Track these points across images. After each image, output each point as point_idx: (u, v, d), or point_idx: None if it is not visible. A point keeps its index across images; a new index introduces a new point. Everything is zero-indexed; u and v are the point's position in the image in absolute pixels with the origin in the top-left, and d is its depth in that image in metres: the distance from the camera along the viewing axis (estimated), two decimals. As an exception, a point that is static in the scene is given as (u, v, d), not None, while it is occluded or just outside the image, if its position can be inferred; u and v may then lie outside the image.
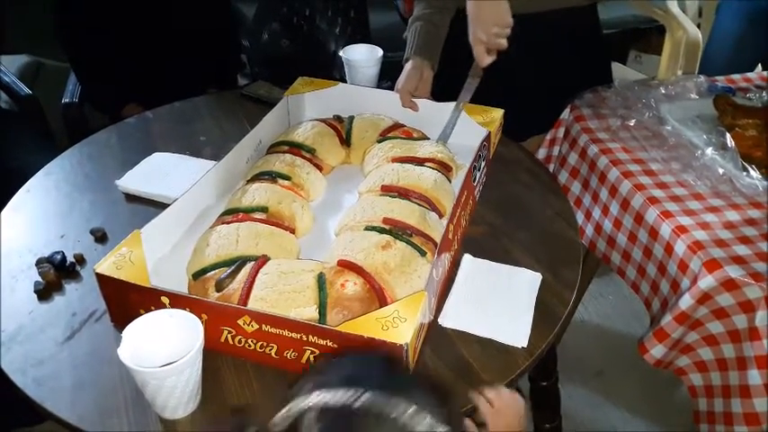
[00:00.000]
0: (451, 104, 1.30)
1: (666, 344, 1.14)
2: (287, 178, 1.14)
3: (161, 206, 1.08)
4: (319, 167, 1.23)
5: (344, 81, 1.47)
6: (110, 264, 0.91)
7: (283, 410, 0.49)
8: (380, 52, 1.48)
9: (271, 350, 0.86)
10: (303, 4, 1.98)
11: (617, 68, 2.45)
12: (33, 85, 2.01)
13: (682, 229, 1.14)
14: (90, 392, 0.85)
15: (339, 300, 0.90)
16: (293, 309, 0.89)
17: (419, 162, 1.18)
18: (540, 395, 1.50)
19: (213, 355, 0.86)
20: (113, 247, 0.94)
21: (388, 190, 1.11)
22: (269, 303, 0.89)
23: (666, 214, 1.18)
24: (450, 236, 0.98)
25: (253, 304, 0.89)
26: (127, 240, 0.95)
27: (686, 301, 1.09)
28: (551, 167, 1.52)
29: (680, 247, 1.12)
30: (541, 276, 1.02)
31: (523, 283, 1.01)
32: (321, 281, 0.92)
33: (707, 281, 1.06)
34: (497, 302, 0.97)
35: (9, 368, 0.88)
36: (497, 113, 1.30)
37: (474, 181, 1.13)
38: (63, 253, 1.04)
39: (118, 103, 1.88)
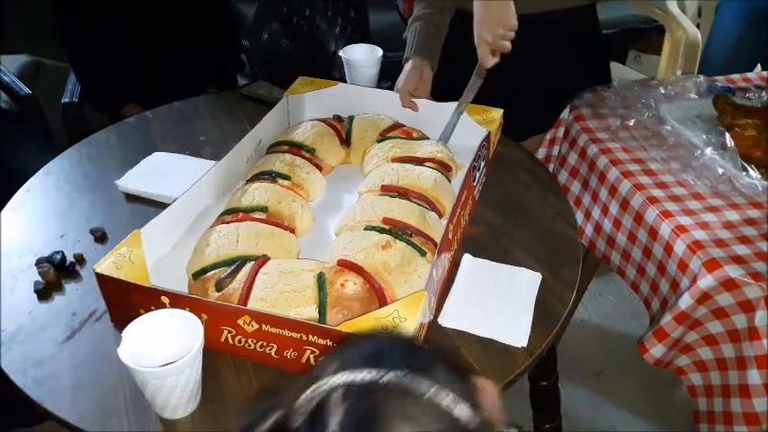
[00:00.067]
0: (451, 104, 1.30)
1: (666, 343, 1.14)
2: (287, 178, 1.14)
3: (161, 206, 1.07)
4: (319, 167, 1.23)
5: (344, 81, 1.47)
6: (110, 263, 0.91)
7: (307, 392, 0.50)
8: (380, 52, 1.48)
9: (271, 350, 0.86)
10: (303, 4, 1.98)
11: (616, 68, 2.45)
12: (33, 85, 2.01)
13: (681, 229, 1.14)
14: (90, 392, 0.85)
15: (339, 299, 0.90)
16: (293, 308, 0.89)
17: (419, 162, 1.18)
18: (540, 395, 1.50)
19: (213, 355, 0.86)
20: (113, 247, 0.94)
21: (387, 190, 1.11)
22: (269, 303, 0.89)
23: (666, 214, 1.18)
24: (450, 236, 0.99)
25: (253, 304, 0.89)
26: (127, 240, 0.95)
27: (686, 301, 1.09)
28: (551, 167, 1.52)
29: (679, 247, 1.12)
30: (541, 276, 1.02)
31: (523, 283, 1.01)
32: (321, 280, 0.92)
33: (706, 280, 1.06)
34: (497, 302, 0.97)
35: (9, 368, 0.88)
36: (497, 113, 1.30)
37: (474, 181, 1.13)
38: (63, 253, 1.04)
39: (118, 102, 1.88)
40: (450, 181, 1.18)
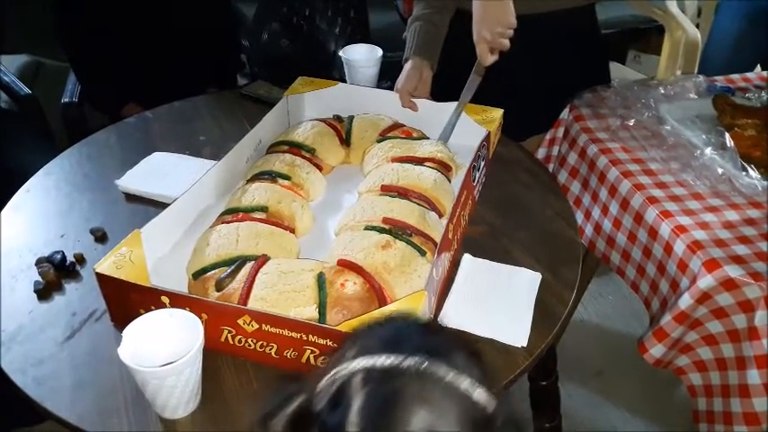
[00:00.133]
0: (451, 104, 1.30)
1: (666, 343, 1.14)
2: (287, 178, 1.15)
3: (161, 206, 1.08)
4: (319, 167, 1.23)
5: (344, 81, 1.47)
6: (110, 263, 0.91)
7: (328, 377, 0.51)
8: (380, 52, 1.48)
9: (271, 350, 0.86)
10: (303, 4, 1.98)
11: (616, 68, 2.45)
12: (33, 85, 2.01)
13: (681, 229, 1.14)
14: (90, 392, 0.85)
15: (339, 299, 0.90)
16: (293, 308, 0.89)
17: (419, 162, 1.18)
18: (540, 395, 1.50)
19: (213, 355, 0.86)
20: (113, 247, 0.94)
21: (387, 190, 1.11)
22: (269, 303, 0.89)
23: (666, 214, 1.18)
24: (450, 235, 0.99)
25: (253, 304, 0.89)
26: (127, 240, 0.95)
27: (686, 301, 1.09)
28: (551, 167, 1.52)
29: (679, 247, 1.12)
30: (541, 276, 1.02)
31: (523, 283, 1.01)
32: (321, 280, 0.92)
33: (706, 280, 1.06)
34: (497, 302, 0.97)
35: (9, 368, 0.88)
36: (497, 113, 1.30)
37: (473, 181, 1.13)
38: (63, 252, 1.04)
39: (118, 102, 1.88)
40: (450, 181, 1.18)
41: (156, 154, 1.30)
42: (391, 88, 1.39)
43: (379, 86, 1.49)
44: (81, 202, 1.19)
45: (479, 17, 1.20)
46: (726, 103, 1.36)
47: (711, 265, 1.06)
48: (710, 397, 1.13)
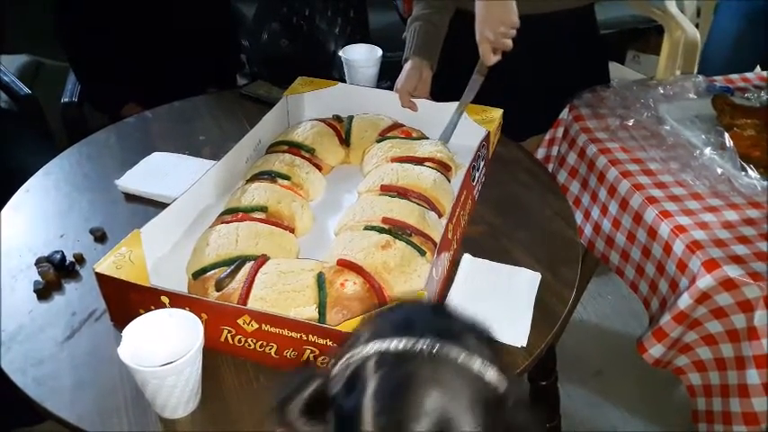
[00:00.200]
0: (451, 104, 1.30)
1: (665, 343, 1.14)
2: (286, 178, 1.15)
3: (161, 206, 1.08)
4: (319, 167, 1.23)
5: (344, 81, 1.47)
6: (109, 263, 0.91)
7: (341, 362, 0.52)
8: (380, 52, 1.48)
9: (270, 349, 0.86)
10: (303, 4, 1.98)
11: (615, 68, 2.45)
12: (33, 85, 2.00)
13: (680, 229, 1.14)
14: (90, 392, 0.86)
15: (339, 299, 0.90)
16: (293, 308, 0.89)
17: (418, 162, 1.18)
18: (540, 394, 1.50)
19: (213, 355, 0.86)
20: (113, 247, 0.94)
21: (387, 190, 1.11)
22: (269, 303, 0.89)
23: (665, 214, 1.18)
24: (450, 235, 0.99)
25: (252, 304, 0.89)
26: (126, 240, 0.95)
27: (685, 301, 1.09)
28: (550, 167, 1.52)
29: (678, 247, 1.13)
30: (541, 276, 1.02)
31: (523, 283, 1.01)
32: (321, 280, 0.92)
33: (706, 280, 1.06)
34: (497, 302, 0.98)
35: (9, 368, 0.88)
36: (496, 113, 1.30)
37: (473, 181, 1.13)
38: (63, 252, 1.04)
39: (117, 102, 1.88)
40: (449, 181, 1.18)
41: (155, 154, 1.30)
42: (391, 88, 1.39)
43: (378, 86, 1.49)
44: (81, 202, 1.19)
45: (482, 17, 1.20)
46: (725, 103, 1.36)
47: (711, 265, 1.06)
48: (710, 397, 1.14)
